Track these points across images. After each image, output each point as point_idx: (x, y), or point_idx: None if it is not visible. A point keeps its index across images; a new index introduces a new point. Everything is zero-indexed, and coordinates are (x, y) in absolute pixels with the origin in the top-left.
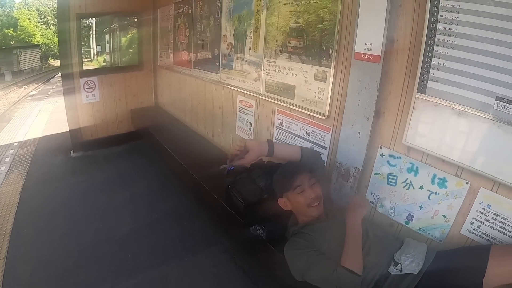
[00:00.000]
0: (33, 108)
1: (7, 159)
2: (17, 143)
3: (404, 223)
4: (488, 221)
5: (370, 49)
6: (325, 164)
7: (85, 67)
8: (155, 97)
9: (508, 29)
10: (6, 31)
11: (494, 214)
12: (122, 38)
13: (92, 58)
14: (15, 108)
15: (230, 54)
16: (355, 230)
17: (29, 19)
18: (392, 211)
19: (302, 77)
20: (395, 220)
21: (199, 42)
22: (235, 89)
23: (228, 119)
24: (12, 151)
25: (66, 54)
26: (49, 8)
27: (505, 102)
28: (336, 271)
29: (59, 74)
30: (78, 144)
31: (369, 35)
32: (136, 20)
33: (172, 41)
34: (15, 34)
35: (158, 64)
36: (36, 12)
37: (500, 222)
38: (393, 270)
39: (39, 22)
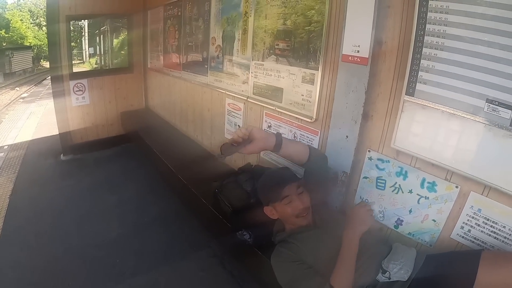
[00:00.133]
0: (24, 111)
1: None
2: (7, 146)
3: (393, 228)
4: (478, 225)
5: (358, 51)
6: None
7: (78, 69)
8: (146, 100)
9: (498, 30)
10: None
11: (485, 218)
12: (112, 40)
13: (85, 60)
14: (6, 111)
15: (218, 56)
16: (351, 248)
17: (21, 20)
18: (381, 215)
19: (290, 79)
20: (384, 224)
21: (188, 44)
22: (224, 91)
23: (217, 122)
24: (1, 154)
25: (56, 56)
26: (41, 9)
27: (496, 105)
28: None
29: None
30: (68, 147)
31: (357, 36)
32: (126, 22)
33: (162, 43)
34: (7, 35)
35: (148, 66)
36: (29, 13)
37: (491, 226)
38: (381, 277)
39: (31, 23)
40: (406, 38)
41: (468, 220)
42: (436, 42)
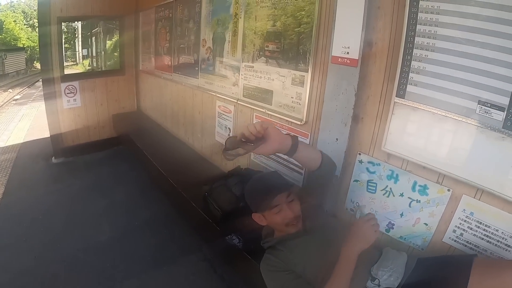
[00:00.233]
0: (17, 113)
1: None
2: None
3: (384, 231)
4: (471, 229)
5: (347, 53)
6: None
7: (72, 71)
8: (137, 102)
9: (490, 31)
10: None
11: (478, 221)
12: (103, 42)
13: (78, 61)
14: None
15: (209, 58)
16: (348, 264)
17: (14, 21)
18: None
19: (280, 81)
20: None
21: (179, 46)
22: (214, 94)
23: (207, 124)
24: None
25: (47, 58)
26: (35, 10)
27: (488, 107)
28: None
29: None
30: (60, 150)
31: (346, 37)
32: (118, 24)
33: (153, 45)
34: (0, 36)
35: (140, 68)
36: (22, 14)
37: (484, 230)
38: (370, 285)
39: (24, 24)
40: (397, 39)
41: (460, 223)
42: (427, 43)
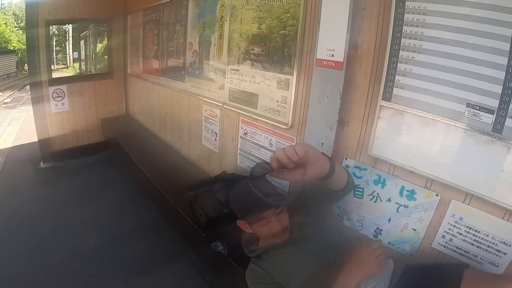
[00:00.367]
0: (6, 117)
1: None
2: None
3: (372, 237)
4: (460, 234)
5: (332, 55)
6: None
7: (63, 74)
8: (126, 106)
9: (478, 31)
10: None
11: (467, 227)
12: (92, 45)
13: (69, 64)
14: None
15: (195, 62)
16: None
17: (5, 24)
18: (360, 224)
19: (265, 85)
20: (363, 233)
21: (166, 49)
22: (201, 98)
23: (194, 129)
24: None
25: (35, 61)
26: None
27: (477, 109)
28: None
29: None
30: (48, 155)
31: (331, 40)
32: (106, 26)
33: (141, 49)
34: None
35: (129, 72)
36: (13, 17)
37: (474, 235)
38: None
39: (15, 27)
40: (383, 41)
41: (449, 229)
42: (414, 45)
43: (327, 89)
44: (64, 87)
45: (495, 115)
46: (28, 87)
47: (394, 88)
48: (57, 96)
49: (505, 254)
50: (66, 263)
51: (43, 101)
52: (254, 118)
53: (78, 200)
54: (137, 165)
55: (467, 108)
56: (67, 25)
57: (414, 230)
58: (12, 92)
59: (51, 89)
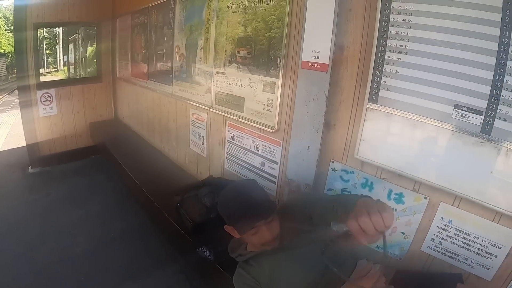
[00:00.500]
0: None
1: None
2: None
3: None
4: (450, 237)
5: (318, 57)
6: None
7: (53, 78)
8: (115, 110)
9: (464, 31)
10: None
11: (457, 230)
12: (81, 48)
13: (59, 68)
14: None
15: (182, 65)
16: None
17: None
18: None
19: (251, 88)
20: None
21: (154, 53)
22: (188, 102)
23: (181, 132)
24: None
25: (23, 65)
26: None
27: (465, 110)
28: None
29: None
30: (36, 160)
31: (316, 42)
32: (95, 30)
33: (129, 52)
34: None
35: (117, 75)
36: (3, 19)
37: (464, 238)
38: None
39: (6, 30)
40: (369, 42)
41: (438, 232)
42: (400, 46)
43: (312, 91)
44: (52, 91)
45: (483, 116)
46: (17, 91)
47: (381, 90)
48: (46, 100)
49: (495, 256)
50: (54, 269)
51: (31, 105)
52: (241, 121)
53: (66, 205)
54: (125, 169)
55: (455, 109)
56: (57, 28)
57: (403, 233)
58: (2, 96)
59: (39, 93)
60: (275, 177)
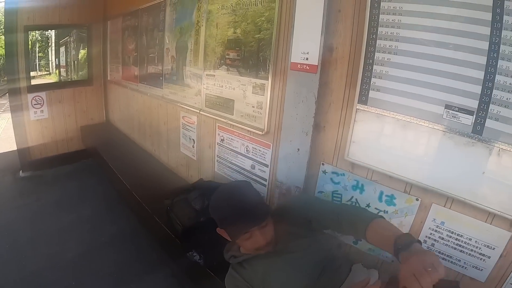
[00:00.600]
0: None
1: None
2: None
3: (352, 244)
4: (442, 238)
5: (307, 59)
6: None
7: (45, 81)
8: (106, 113)
9: (455, 30)
10: None
11: (449, 231)
12: (73, 51)
13: (51, 71)
14: None
15: (172, 68)
16: None
17: None
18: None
19: (241, 90)
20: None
21: (144, 55)
22: (178, 104)
23: (172, 136)
24: None
25: (13, 68)
26: None
27: (455, 111)
28: None
29: None
30: (27, 163)
31: (305, 43)
32: (86, 32)
33: (120, 55)
34: None
35: (108, 78)
36: None
37: (456, 239)
38: None
39: None
40: (358, 43)
41: (431, 233)
42: (389, 46)
43: (302, 93)
44: (43, 94)
45: (474, 116)
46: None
47: (370, 91)
48: (36, 103)
49: (489, 257)
50: (44, 275)
51: (22, 108)
52: (231, 124)
53: (57, 210)
54: (116, 173)
55: (445, 109)
56: (49, 30)
57: None
58: None
59: (30, 96)
60: (265, 180)
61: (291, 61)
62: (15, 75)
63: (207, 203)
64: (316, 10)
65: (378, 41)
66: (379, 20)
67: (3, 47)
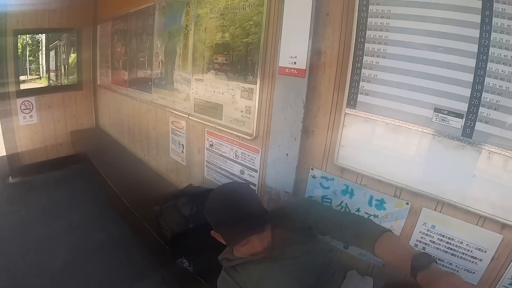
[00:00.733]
0: None
1: None
2: None
3: (343, 249)
4: (433, 242)
5: (295, 63)
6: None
7: (35, 85)
8: (96, 118)
9: (443, 33)
10: None
11: (440, 235)
12: (63, 55)
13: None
14: None
15: (161, 72)
16: None
17: None
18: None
19: (229, 95)
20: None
21: (133, 60)
22: (167, 109)
23: (161, 141)
24: None
25: (2, 72)
26: None
27: (445, 114)
28: None
29: None
30: (16, 169)
31: (293, 47)
32: (76, 36)
33: (110, 59)
34: None
35: (98, 83)
36: None
37: (447, 242)
38: None
39: None
40: (346, 47)
41: (421, 237)
42: (378, 49)
43: (290, 98)
44: (32, 99)
45: (464, 119)
46: None
47: (359, 95)
48: (25, 108)
49: (480, 260)
50: (34, 283)
51: (11, 113)
52: (219, 129)
53: (47, 216)
54: (106, 179)
55: (435, 113)
56: (40, 34)
57: None
58: None
59: (19, 101)
60: (255, 185)
61: (279, 65)
62: (4, 79)
63: (196, 209)
64: (304, 14)
65: (366, 45)
66: (367, 23)
67: None
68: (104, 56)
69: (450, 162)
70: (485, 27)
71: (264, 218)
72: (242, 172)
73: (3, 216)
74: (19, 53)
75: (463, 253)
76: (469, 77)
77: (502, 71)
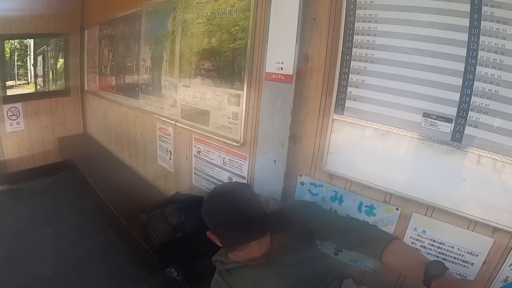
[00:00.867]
0: None
1: None
2: None
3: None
4: (424, 247)
5: (281, 68)
6: None
7: (23, 90)
8: (84, 125)
9: (431, 37)
10: None
11: (431, 239)
12: (50, 60)
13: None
14: None
15: (148, 78)
16: None
17: None
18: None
19: (216, 101)
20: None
21: (120, 65)
22: (155, 116)
23: (149, 147)
24: None
25: None
26: None
27: (434, 118)
28: None
29: None
30: (3, 177)
31: (280, 52)
32: (63, 42)
33: (97, 65)
34: None
35: (86, 89)
36: None
37: (438, 247)
38: None
39: None
40: (334, 52)
41: (412, 242)
42: (365, 54)
43: (277, 104)
44: (19, 105)
45: (453, 123)
46: None
47: (347, 100)
48: (12, 114)
49: (472, 264)
50: None
51: None
52: (207, 135)
53: (34, 224)
54: (94, 187)
55: (423, 117)
56: (28, 39)
57: None
58: None
59: (6, 107)
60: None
61: (266, 71)
62: None
63: (184, 218)
64: (290, 19)
65: (354, 50)
66: (355, 28)
67: None
68: (92, 62)
69: (439, 167)
70: (474, 31)
71: (266, 224)
72: (230, 179)
73: None
74: (6, 58)
75: (454, 258)
76: (458, 81)
77: (491, 74)
